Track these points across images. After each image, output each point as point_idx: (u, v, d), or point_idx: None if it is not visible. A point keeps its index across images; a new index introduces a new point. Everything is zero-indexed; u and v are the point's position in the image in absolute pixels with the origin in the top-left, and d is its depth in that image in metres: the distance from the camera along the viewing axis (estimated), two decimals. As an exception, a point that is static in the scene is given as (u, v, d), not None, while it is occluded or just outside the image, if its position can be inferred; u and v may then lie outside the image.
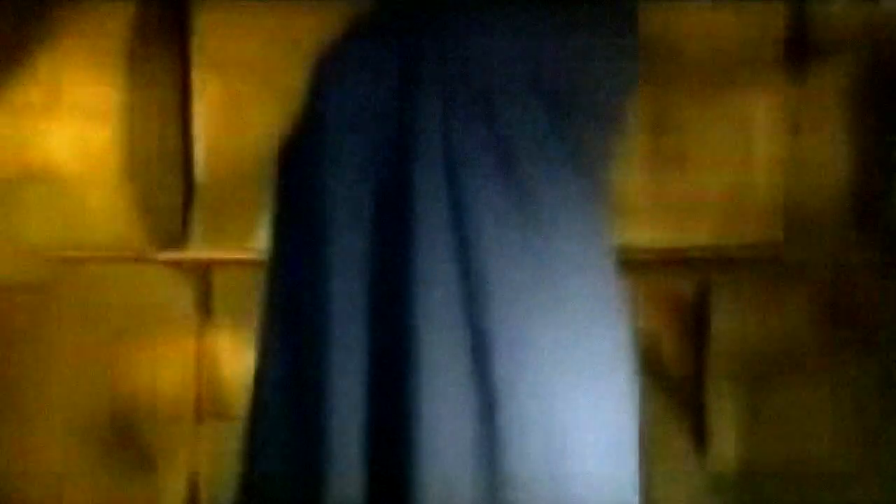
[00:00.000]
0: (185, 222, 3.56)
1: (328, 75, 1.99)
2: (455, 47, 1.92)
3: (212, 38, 3.56)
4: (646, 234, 3.33)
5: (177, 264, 3.52)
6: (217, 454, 3.44)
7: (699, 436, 3.41)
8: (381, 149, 1.93)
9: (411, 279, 1.87)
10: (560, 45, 1.93)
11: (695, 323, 3.41)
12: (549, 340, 1.89)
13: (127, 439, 3.54)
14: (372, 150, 1.93)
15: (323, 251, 1.92)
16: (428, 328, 1.86)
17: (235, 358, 3.48)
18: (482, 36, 1.93)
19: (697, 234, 3.38)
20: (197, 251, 3.53)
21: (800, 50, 3.39)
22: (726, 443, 3.40)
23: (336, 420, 1.89)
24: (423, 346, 1.86)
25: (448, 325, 1.87)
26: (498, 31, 1.93)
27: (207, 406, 3.53)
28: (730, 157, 3.39)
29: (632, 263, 3.28)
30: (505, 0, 1.96)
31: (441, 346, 1.86)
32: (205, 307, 3.54)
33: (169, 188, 3.57)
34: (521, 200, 1.90)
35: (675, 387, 3.41)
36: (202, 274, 3.53)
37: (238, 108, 3.54)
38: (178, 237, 3.55)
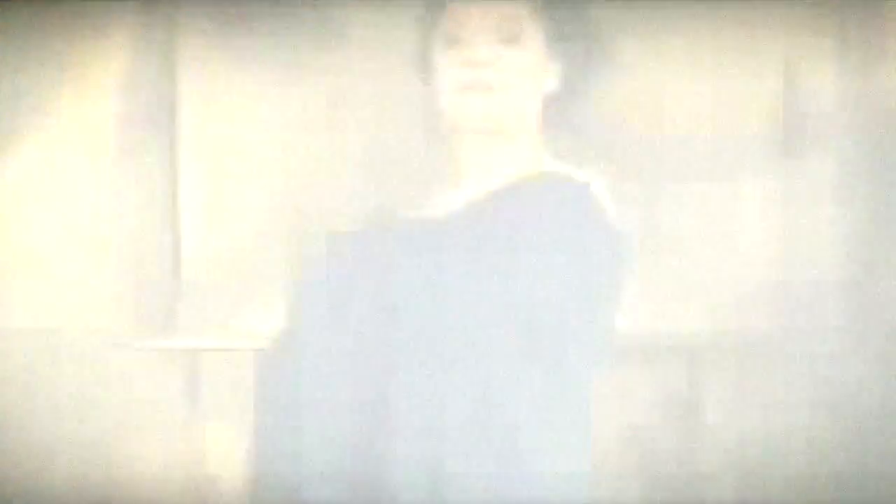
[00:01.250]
0: (173, 309, 3.55)
1: (309, 295, 2.00)
2: (432, 272, 1.92)
3: (200, 122, 3.57)
4: (637, 322, 3.32)
5: (164, 351, 3.51)
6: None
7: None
8: (359, 376, 1.93)
9: None
10: (534, 267, 1.93)
11: (687, 412, 3.40)
12: None
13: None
14: (349, 373, 1.93)
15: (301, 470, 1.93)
16: None
17: (223, 445, 3.47)
18: (456, 262, 1.92)
19: (689, 322, 3.37)
20: (184, 338, 3.52)
21: (793, 134, 3.40)
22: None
23: None
24: None
25: None
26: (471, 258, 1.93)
27: (194, 493, 3.51)
28: (722, 243, 3.39)
29: (623, 351, 3.31)
30: (476, 225, 1.96)
31: None
32: (192, 394, 3.53)
33: (156, 275, 3.56)
34: (501, 437, 1.89)
35: (667, 477, 3.39)
36: (189, 361, 3.52)
37: (226, 193, 3.54)
38: (166, 324, 3.54)
